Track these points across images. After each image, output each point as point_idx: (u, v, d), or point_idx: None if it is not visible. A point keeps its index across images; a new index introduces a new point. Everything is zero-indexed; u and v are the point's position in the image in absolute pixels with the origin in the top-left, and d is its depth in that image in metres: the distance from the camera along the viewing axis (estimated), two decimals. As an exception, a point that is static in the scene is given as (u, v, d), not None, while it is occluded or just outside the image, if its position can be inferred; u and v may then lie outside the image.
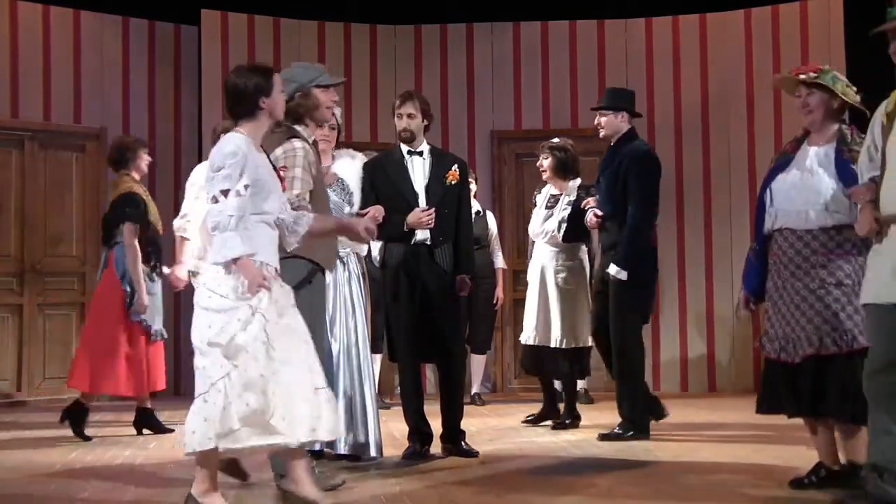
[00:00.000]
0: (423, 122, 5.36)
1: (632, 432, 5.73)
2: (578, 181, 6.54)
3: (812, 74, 4.29)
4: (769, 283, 4.28)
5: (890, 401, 3.54)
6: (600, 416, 6.60)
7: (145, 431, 6.29)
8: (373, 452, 5.04)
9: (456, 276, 5.29)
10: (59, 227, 8.52)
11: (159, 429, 6.31)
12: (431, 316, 5.21)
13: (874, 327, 3.68)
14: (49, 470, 5.02)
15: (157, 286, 6.38)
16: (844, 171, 4.07)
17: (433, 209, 5.21)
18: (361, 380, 5.09)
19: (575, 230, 6.33)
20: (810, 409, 4.13)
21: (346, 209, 5.21)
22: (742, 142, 8.75)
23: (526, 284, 6.72)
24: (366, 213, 5.16)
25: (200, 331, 3.68)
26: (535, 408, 6.93)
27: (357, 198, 5.23)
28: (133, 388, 6.18)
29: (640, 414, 5.79)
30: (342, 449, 5.03)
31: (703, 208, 8.82)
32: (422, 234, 5.24)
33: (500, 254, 7.96)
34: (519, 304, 8.74)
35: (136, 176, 6.44)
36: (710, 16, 8.90)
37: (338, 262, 5.13)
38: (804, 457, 4.60)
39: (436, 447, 5.29)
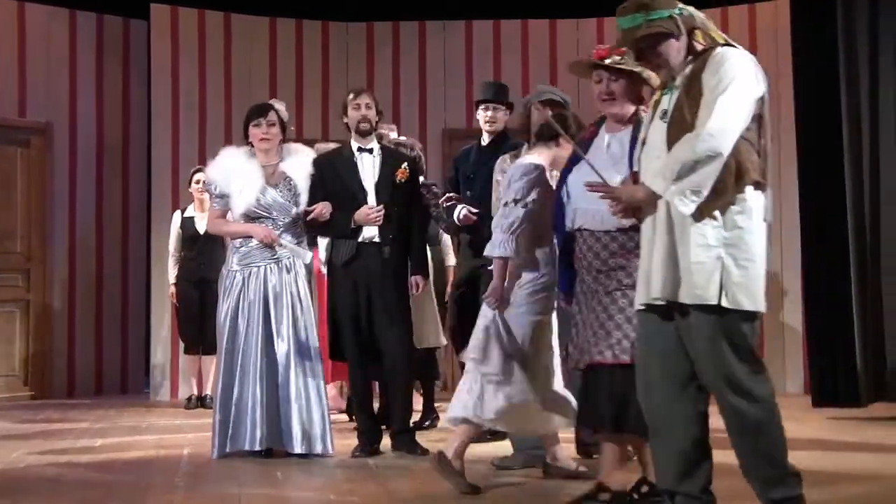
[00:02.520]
0: (376, 116, 5.36)
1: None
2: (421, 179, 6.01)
3: (617, 58, 3.82)
4: (577, 288, 3.90)
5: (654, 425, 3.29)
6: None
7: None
8: (323, 450, 5.04)
9: (405, 275, 5.28)
10: (4, 223, 8.37)
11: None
12: (379, 315, 5.19)
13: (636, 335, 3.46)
14: (-10, 470, 4.93)
15: None
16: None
17: (382, 207, 5.19)
18: (310, 378, 5.10)
19: None
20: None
21: (293, 210, 5.19)
22: (691, 142, 8.82)
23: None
24: (312, 210, 5.16)
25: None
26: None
27: (304, 198, 5.20)
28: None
29: None
30: (293, 447, 5.02)
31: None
32: (369, 232, 5.21)
33: (451, 251, 7.94)
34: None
35: None
36: (660, 17, 8.97)
37: (282, 263, 5.12)
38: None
39: (385, 445, 5.28)
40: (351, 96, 5.36)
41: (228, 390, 5.09)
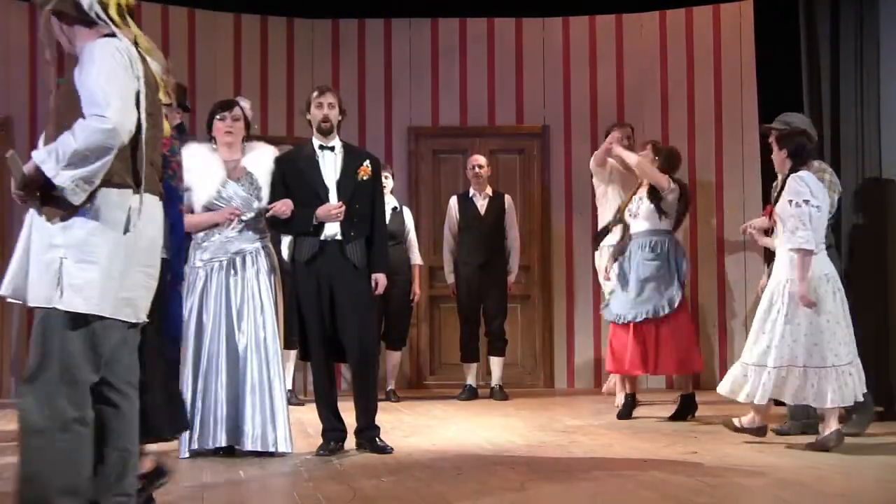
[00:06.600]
0: (339, 115, 5.35)
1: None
2: None
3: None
4: None
5: None
6: (517, 412, 6.64)
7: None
8: (282, 448, 5.01)
9: (369, 272, 5.26)
10: (-39, 219, 8.24)
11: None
12: (343, 312, 5.17)
13: None
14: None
15: None
16: None
17: (342, 203, 5.17)
18: (270, 375, 5.06)
19: None
20: None
21: (255, 204, 5.16)
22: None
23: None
24: (272, 208, 5.13)
25: None
26: (452, 404, 6.92)
27: (266, 192, 5.18)
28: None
29: None
30: (249, 445, 4.99)
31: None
32: (332, 229, 5.19)
33: (416, 250, 7.95)
34: (435, 300, 8.76)
35: None
36: (625, 16, 9.01)
37: (246, 257, 5.10)
38: (712, 451, 4.69)
39: (350, 443, 5.26)
40: (315, 94, 5.35)
41: (195, 389, 5.04)
